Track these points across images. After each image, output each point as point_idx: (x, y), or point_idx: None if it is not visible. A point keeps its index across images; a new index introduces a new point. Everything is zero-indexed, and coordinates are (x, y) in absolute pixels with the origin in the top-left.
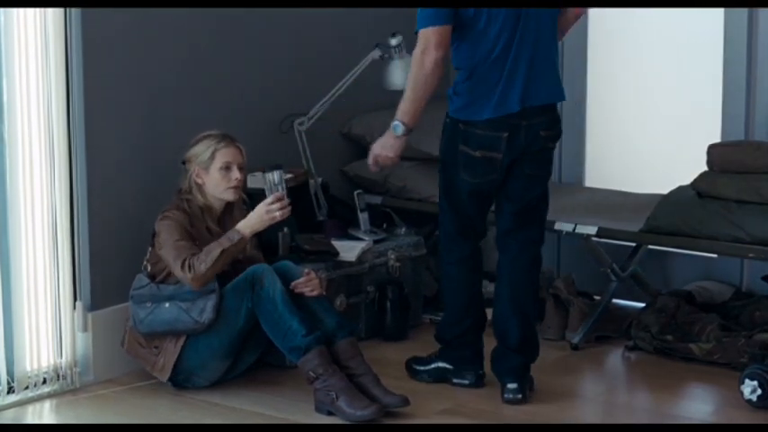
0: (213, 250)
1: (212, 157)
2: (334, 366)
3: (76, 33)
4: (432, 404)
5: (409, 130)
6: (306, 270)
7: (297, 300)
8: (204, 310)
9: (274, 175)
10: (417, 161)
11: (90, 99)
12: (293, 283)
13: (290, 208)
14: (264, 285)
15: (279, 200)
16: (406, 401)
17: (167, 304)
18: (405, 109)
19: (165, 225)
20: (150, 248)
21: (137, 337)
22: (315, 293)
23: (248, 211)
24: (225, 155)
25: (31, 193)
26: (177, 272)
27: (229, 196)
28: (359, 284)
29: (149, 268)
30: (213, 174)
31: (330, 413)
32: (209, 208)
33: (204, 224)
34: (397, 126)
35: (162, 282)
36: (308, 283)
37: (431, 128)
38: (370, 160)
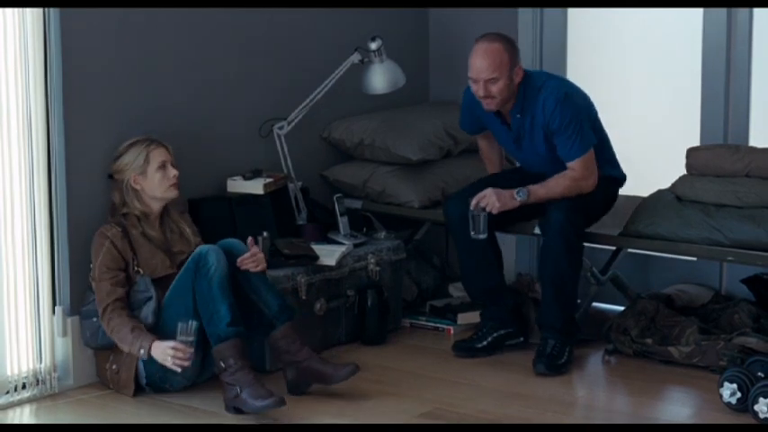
0: (123, 340)
1: (147, 160)
2: (245, 362)
3: (56, 34)
4: (413, 407)
5: (526, 197)
6: (249, 240)
7: (243, 280)
8: (147, 317)
9: (191, 325)
10: (396, 166)
11: (69, 102)
12: (239, 260)
13: (187, 363)
14: (207, 263)
15: (180, 351)
16: (356, 368)
17: None
18: (539, 192)
19: (102, 254)
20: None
21: (101, 361)
22: (260, 269)
23: (184, 214)
24: (158, 155)
25: (11, 198)
26: (99, 311)
27: (171, 194)
28: (339, 288)
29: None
30: (151, 175)
31: (237, 410)
32: (146, 214)
33: (140, 230)
34: (523, 193)
35: None
36: (253, 258)
37: (409, 132)
38: (478, 196)
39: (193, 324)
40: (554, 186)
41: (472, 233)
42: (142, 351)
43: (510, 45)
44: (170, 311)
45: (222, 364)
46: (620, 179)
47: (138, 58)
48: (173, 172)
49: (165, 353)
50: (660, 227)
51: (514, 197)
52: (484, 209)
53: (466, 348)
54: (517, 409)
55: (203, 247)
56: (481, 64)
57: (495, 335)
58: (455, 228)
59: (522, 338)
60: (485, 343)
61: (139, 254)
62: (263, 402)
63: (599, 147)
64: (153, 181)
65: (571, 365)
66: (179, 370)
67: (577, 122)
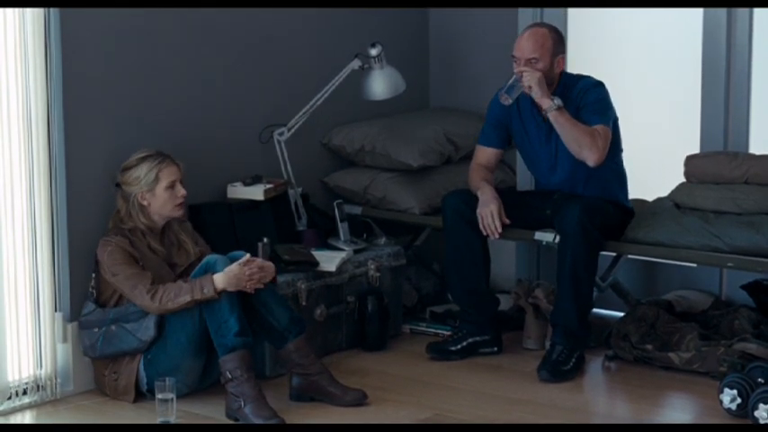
0: (183, 295)
1: (157, 178)
2: (251, 373)
3: (56, 35)
4: (413, 413)
5: (555, 108)
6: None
7: (251, 293)
8: (148, 328)
9: (168, 383)
10: (396, 172)
11: (69, 105)
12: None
13: (269, 277)
14: (216, 273)
15: (260, 268)
16: (364, 396)
17: (113, 327)
18: (564, 115)
19: (110, 253)
20: (94, 275)
21: (99, 368)
22: (269, 279)
23: (184, 224)
24: (169, 174)
25: (11, 203)
26: (141, 300)
27: (177, 213)
28: (339, 295)
29: (95, 295)
30: (160, 194)
31: (236, 420)
32: (150, 228)
33: (146, 243)
34: (558, 101)
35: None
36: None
37: (409, 139)
38: (526, 67)
39: (170, 381)
40: (576, 125)
41: (502, 93)
42: (205, 290)
43: (556, 34)
44: (176, 321)
45: (229, 375)
46: (631, 212)
47: (139, 63)
48: (181, 192)
49: (241, 278)
50: (660, 234)
51: (550, 96)
52: (520, 79)
53: (439, 350)
54: (517, 415)
55: (212, 257)
56: (525, 44)
57: (470, 340)
58: (449, 220)
59: (496, 348)
60: (459, 347)
61: (144, 265)
62: (265, 422)
63: (620, 176)
64: (160, 199)
65: (578, 372)
66: (250, 290)
67: (605, 104)
